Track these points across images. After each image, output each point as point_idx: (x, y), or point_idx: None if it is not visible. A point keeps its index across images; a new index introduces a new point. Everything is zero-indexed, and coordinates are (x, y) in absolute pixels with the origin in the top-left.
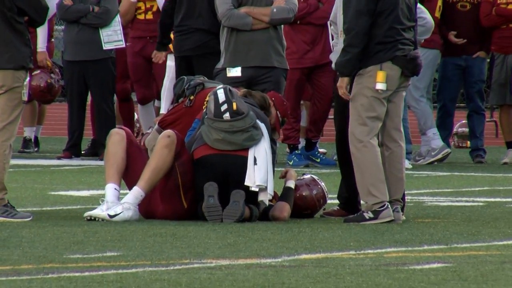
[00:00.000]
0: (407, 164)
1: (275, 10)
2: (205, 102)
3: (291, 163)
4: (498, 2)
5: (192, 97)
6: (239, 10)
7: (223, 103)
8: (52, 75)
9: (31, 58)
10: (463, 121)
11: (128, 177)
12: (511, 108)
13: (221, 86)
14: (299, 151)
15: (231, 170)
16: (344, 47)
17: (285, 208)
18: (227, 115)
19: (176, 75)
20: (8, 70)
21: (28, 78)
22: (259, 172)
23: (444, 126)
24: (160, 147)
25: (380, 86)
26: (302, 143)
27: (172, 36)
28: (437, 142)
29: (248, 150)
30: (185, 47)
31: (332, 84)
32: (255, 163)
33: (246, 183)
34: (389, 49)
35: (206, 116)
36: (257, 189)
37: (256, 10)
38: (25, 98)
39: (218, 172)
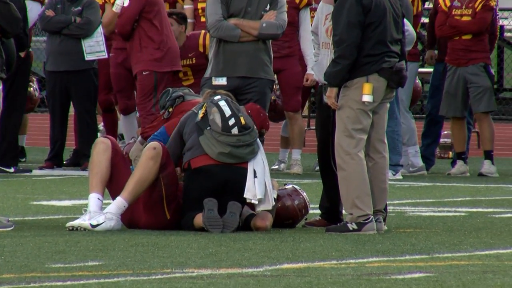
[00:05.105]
0: (398, 175)
1: (264, 24)
2: (200, 112)
3: None
4: (453, 13)
5: (170, 109)
6: (228, 22)
7: (230, 117)
8: (30, 83)
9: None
10: (445, 132)
11: (112, 187)
12: (462, 121)
13: (221, 97)
14: None
15: (231, 180)
16: (335, 58)
17: (267, 217)
18: (235, 130)
19: None
20: None
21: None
22: (260, 185)
23: (429, 134)
24: (146, 158)
25: (367, 98)
26: (283, 154)
27: None
28: (418, 160)
29: (247, 162)
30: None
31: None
32: (255, 175)
33: (246, 195)
34: (376, 61)
35: (208, 128)
36: (256, 202)
37: (246, 22)
38: None
39: (219, 181)
